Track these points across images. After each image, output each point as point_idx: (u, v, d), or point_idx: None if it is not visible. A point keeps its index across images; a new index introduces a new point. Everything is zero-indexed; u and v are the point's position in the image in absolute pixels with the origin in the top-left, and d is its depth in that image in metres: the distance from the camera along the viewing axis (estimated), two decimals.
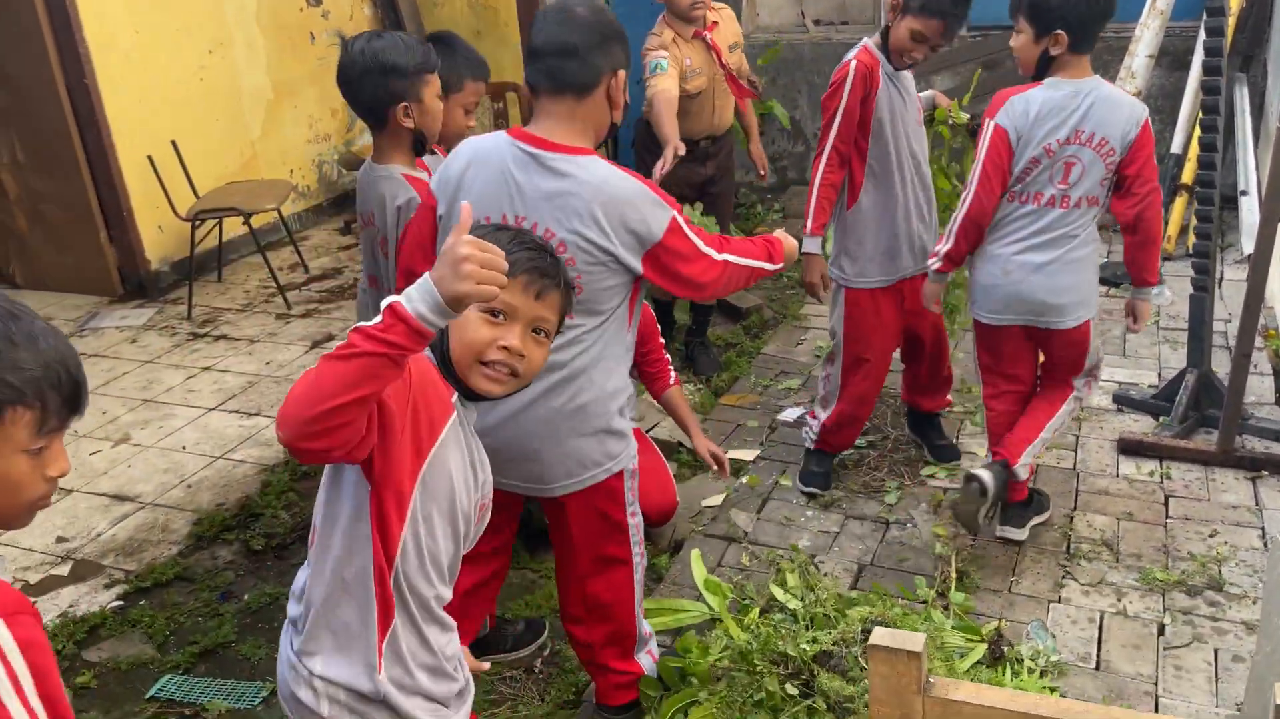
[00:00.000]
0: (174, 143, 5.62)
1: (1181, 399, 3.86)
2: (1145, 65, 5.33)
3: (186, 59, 5.86)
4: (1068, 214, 3.02)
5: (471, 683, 1.88)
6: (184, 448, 4.27)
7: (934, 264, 3.20)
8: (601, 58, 2.26)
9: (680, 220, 2.30)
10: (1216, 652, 2.85)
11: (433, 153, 2.93)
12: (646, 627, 2.74)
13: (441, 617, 1.79)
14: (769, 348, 4.85)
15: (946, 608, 3.02)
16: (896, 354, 3.73)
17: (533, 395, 2.30)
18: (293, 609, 1.78)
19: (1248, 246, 4.71)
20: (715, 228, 3.80)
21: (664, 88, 4.03)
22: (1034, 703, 1.50)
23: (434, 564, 1.73)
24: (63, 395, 1.27)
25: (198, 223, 5.57)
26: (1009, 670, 2.74)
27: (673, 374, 3.10)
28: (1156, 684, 2.76)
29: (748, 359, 4.74)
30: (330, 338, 5.20)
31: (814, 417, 3.71)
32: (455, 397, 1.74)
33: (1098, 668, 2.83)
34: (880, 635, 1.53)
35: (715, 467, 2.96)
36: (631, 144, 4.53)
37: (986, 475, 3.12)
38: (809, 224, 3.35)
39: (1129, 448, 3.76)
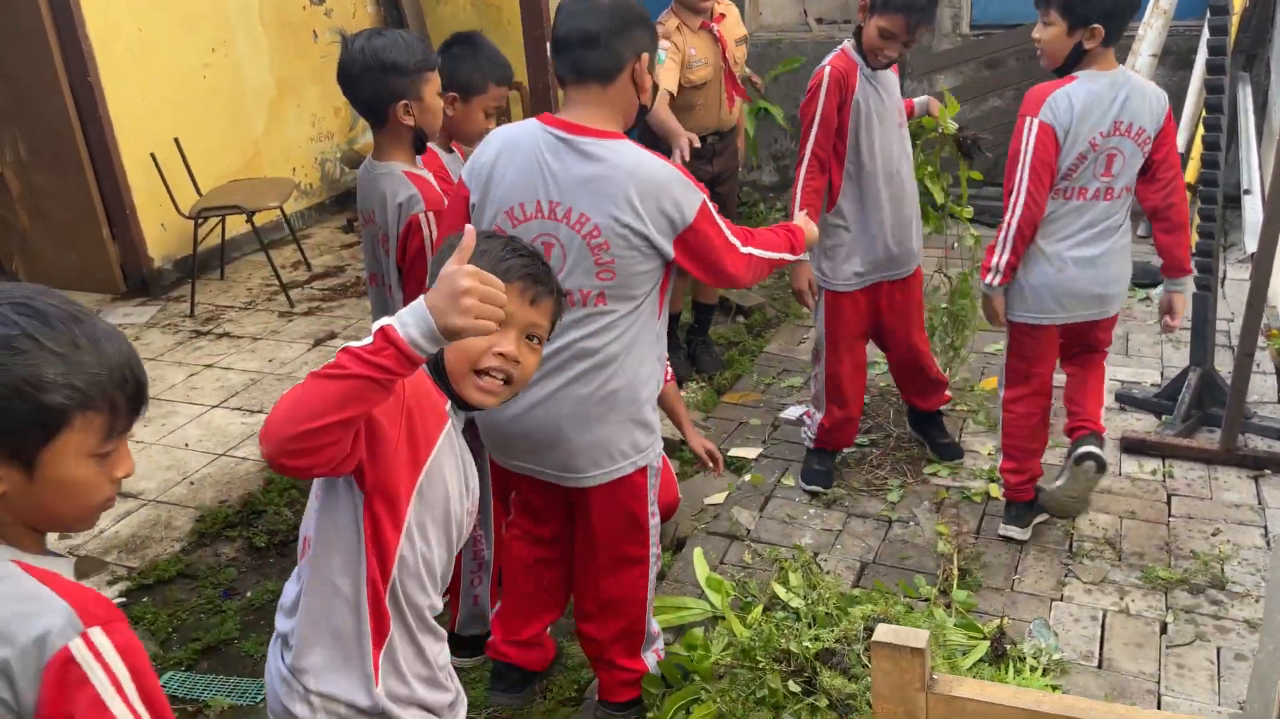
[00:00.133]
0: (177, 140, 5.62)
1: (1184, 398, 3.86)
2: (1149, 64, 5.32)
3: (189, 56, 5.86)
4: (1111, 205, 3.01)
5: (463, 694, 1.87)
6: (186, 445, 4.28)
7: (993, 278, 3.07)
8: (624, 43, 2.27)
9: (710, 204, 2.32)
10: (1219, 650, 2.85)
11: (452, 152, 2.93)
12: (656, 626, 2.75)
13: (434, 626, 1.78)
14: (771, 346, 4.86)
15: (949, 606, 3.02)
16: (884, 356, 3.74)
17: (563, 381, 2.32)
18: (282, 624, 1.74)
19: (1251, 245, 4.70)
20: None
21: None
22: (1037, 700, 1.51)
23: (429, 574, 1.71)
24: (128, 397, 1.26)
25: (200, 220, 5.57)
26: (1011, 669, 2.74)
27: (669, 371, 3.10)
28: (1159, 683, 2.76)
29: (750, 357, 4.74)
30: (333, 335, 5.21)
31: (811, 416, 3.72)
32: (449, 405, 1.73)
33: (1100, 666, 2.83)
34: (884, 632, 1.53)
35: (710, 464, 2.97)
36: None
37: (1097, 450, 3.19)
38: None
39: (1132, 446, 3.76)
